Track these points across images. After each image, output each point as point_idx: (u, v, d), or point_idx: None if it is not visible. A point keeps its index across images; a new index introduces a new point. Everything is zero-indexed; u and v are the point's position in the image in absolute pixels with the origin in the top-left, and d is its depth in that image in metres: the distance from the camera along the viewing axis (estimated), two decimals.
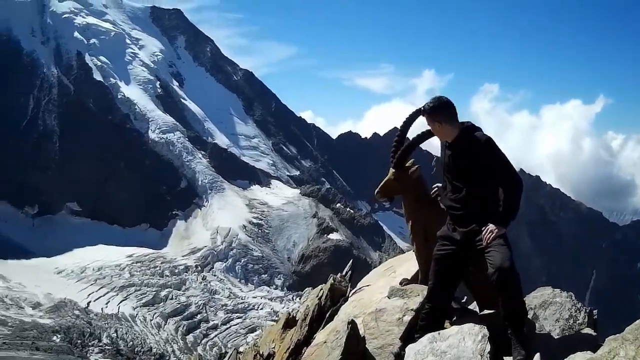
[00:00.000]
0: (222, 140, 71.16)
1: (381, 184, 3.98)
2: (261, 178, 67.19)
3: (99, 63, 67.92)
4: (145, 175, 60.56)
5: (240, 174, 65.70)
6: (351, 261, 6.95)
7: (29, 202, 55.38)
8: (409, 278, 4.33)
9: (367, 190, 73.23)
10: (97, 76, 66.55)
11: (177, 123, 66.84)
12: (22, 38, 65.47)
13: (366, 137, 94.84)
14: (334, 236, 55.56)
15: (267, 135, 78.22)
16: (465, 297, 4.40)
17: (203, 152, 65.09)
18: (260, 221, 55.99)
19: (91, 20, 73.10)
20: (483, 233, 3.08)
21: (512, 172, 3.14)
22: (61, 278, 44.40)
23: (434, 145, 3.68)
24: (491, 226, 3.07)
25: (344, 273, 6.12)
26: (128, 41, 74.63)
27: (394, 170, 3.91)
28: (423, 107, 3.28)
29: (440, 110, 3.14)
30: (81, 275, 44.43)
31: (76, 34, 69.27)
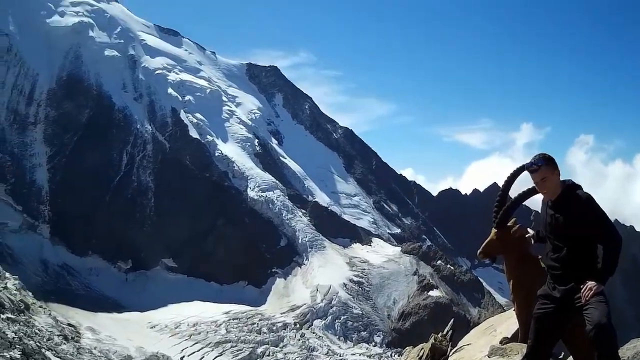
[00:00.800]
0: (322, 198, 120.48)
1: (484, 244, 8.22)
2: (362, 236, 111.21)
3: (195, 120, 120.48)
4: (244, 233, 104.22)
5: (341, 232, 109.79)
6: (452, 320, 13.46)
7: (122, 257, 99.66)
8: (509, 336, 8.89)
9: (467, 246, 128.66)
10: (194, 133, 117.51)
11: (277, 181, 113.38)
12: (113, 94, 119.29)
13: (466, 194, 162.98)
14: (434, 293, 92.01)
15: (368, 193, 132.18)
16: (563, 354, 8.72)
17: (303, 211, 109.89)
18: (360, 279, 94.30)
19: (185, 76, 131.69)
20: (582, 290, 6.28)
21: (611, 229, 6.46)
22: (154, 332, 78.82)
23: (532, 200, 7.82)
24: (590, 283, 6.25)
25: (444, 332, 12.19)
26: (224, 98, 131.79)
27: (496, 230, 8.06)
28: (531, 162, 6.86)
29: (552, 163, 6.79)
30: (175, 330, 78.82)
31: (170, 90, 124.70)
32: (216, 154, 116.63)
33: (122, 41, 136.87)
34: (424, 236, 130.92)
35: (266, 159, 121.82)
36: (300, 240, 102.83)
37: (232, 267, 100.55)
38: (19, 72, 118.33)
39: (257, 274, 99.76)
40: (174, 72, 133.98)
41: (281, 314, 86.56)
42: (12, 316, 43.34)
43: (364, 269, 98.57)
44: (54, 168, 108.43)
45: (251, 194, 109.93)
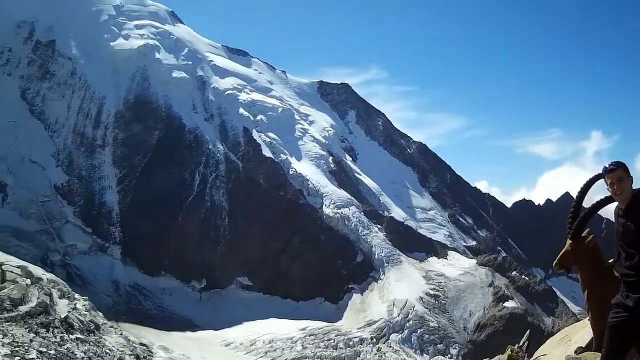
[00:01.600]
0: (398, 213, 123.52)
1: (559, 255, 8.51)
2: (438, 249, 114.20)
3: (268, 139, 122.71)
4: (320, 250, 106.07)
5: (417, 246, 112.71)
6: (528, 331, 14.20)
7: (196, 277, 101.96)
8: (584, 346, 9.16)
9: (541, 256, 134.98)
10: (267, 152, 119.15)
11: (352, 198, 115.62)
12: (183, 115, 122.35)
13: (539, 204, 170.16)
14: (509, 304, 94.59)
15: (443, 206, 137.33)
16: None
17: (379, 226, 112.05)
18: (437, 292, 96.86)
19: (256, 96, 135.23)
20: None
21: None
22: (229, 350, 79.37)
23: (604, 209, 8.16)
24: None
25: (521, 343, 12.76)
26: (297, 117, 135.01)
27: (570, 241, 8.37)
28: (608, 164, 7.38)
29: (627, 169, 7.30)
30: (250, 347, 79.34)
31: (241, 110, 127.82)
32: (290, 172, 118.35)
33: (189, 62, 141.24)
34: (498, 248, 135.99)
35: (341, 176, 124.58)
36: (376, 256, 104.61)
37: (308, 284, 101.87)
38: (84, 95, 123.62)
39: (333, 290, 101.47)
40: (244, 92, 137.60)
41: (358, 329, 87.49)
42: (82, 336, 43.66)
43: (440, 282, 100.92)
44: (124, 190, 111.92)
45: (326, 211, 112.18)
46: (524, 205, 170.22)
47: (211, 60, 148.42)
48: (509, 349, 12.77)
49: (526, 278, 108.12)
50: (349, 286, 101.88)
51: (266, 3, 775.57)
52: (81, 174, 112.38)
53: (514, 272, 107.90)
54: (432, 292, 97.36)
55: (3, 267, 56.95)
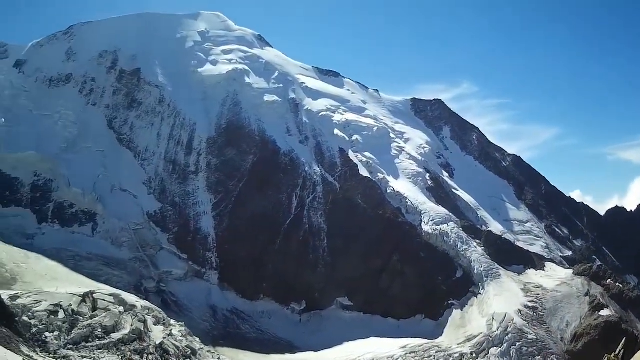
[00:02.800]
0: (496, 227, 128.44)
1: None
2: (535, 261, 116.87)
3: (364, 159, 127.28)
4: (419, 268, 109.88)
5: (515, 259, 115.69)
6: (624, 339, 16.10)
7: (295, 299, 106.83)
8: None
9: (634, 262, 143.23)
10: (364, 172, 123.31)
11: (450, 214, 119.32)
12: (277, 138, 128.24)
13: (631, 210, 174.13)
14: (604, 312, 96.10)
15: (539, 218, 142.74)
16: None
17: (478, 241, 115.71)
18: (535, 304, 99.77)
19: (350, 116, 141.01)
20: None
21: None
22: None
23: None
24: None
25: (617, 352, 16.35)
26: (392, 135, 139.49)
27: None
28: None
29: None
30: None
31: (336, 131, 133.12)
32: (388, 191, 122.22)
33: (281, 85, 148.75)
34: (593, 256, 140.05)
35: (438, 192, 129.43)
36: (475, 271, 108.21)
37: (408, 302, 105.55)
38: (174, 122, 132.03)
39: (433, 306, 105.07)
40: (338, 112, 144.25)
41: (458, 344, 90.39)
42: None
43: (538, 294, 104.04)
44: (219, 215, 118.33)
45: (425, 228, 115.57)
46: (617, 212, 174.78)
47: (303, 83, 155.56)
48: (606, 358, 14.38)
49: (620, 285, 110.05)
50: (449, 302, 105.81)
51: (353, 23, 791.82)
52: (175, 201, 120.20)
53: (608, 280, 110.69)
54: (530, 304, 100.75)
55: (94, 295, 62.14)
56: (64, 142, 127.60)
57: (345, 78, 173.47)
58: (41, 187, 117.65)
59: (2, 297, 46.78)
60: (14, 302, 53.81)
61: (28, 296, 57.32)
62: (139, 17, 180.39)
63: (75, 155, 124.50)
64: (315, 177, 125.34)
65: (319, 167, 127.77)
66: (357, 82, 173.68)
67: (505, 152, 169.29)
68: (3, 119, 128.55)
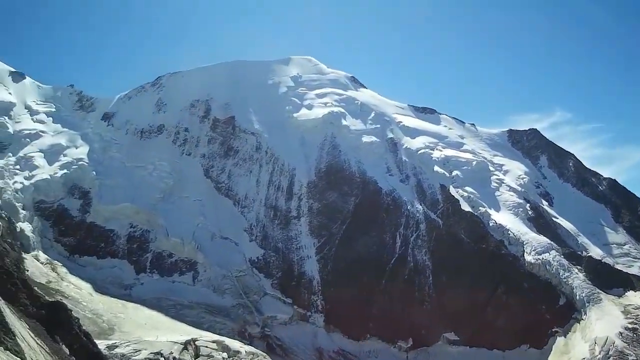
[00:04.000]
0: (595, 252, 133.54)
1: None
2: (635, 283, 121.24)
3: (465, 194, 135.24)
4: (523, 298, 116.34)
5: (615, 282, 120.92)
6: None
7: (402, 337, 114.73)
8: None
9: None
10: (466, 207, 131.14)
11: (552, 242, 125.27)
12: (378, 178, 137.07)
13: None
14: None
15: (636, 239, 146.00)
16: None
17: (579, 267, 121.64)
18: (635, 325, 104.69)
19: (449, 152, 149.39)
20: None
21: None
22: None
23: None
24: None
25: None
26: (491, 168, 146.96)
27: None
28: None
29: None
30: None
31: (436, 168, 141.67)
32: (490, 224, 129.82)
33: (378, 126, 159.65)
34: None
35: (539, 222, 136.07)
36: (577, 297, 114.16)
37: (513, 332, 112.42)
38: (273, 168, 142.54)
39: (537, 335, 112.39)
40: (437, 149, 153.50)
41: None
42: None
43: (638, 315, 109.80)
44: (323, 258, 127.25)
45: (528, 258, 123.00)
46: None
47: (400, 122, 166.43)
48: None
49: None
50: (553, 330, 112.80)
51: (446, 59, 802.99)
52: (277, 247, 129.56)
53: None
54: (630, 325, 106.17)
55: (197, 342, 68.86)
56: (160, 192, 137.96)
57: (441, 114, 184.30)
58: (138, 238, 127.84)
59: (100, 346, 51.65)
60: (112, 352, 60.90)
61: (127, 345, 64.34)
62: (228, 65, 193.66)
63: (173, 205, 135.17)
64: (417, 215, 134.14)
65: (420, 204, 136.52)
66: (454, 118, 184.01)
67: (601, 176, 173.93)
68: (94, 172, 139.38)
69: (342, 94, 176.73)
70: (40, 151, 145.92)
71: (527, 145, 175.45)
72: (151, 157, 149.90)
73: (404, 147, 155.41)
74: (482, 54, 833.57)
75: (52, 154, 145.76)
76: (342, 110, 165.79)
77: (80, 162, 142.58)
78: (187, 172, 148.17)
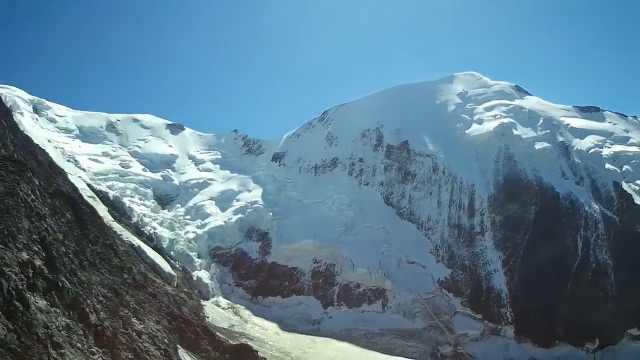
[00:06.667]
0: None
1: None
2: None
3: (637, 187, 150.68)
4: None
5: None
6: None
7: (588, 339, 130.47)
8: None
9: None
10: (639, 200, 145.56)
11: None
12: (555, 184, 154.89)
13: None
14: None
15: None
16: None
17: None
18: None
19: (617, 148, 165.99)
20: None
21: None
22: None
23: None
24: None
25: None
26: None
27: None
28: None
29: None
30: None
31: (607, 165, 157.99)
32: None
33: (548, 131, 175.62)
34: None
35: None
36: None
37: None
38: (452, 187, 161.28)
39: None
40: (605, 146, 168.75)
41: None
42: None
43: None
44: (510, 270, 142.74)
45: None
46: None
47: (567, 124, 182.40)
48: None
49: None
50: None
51: (605, 56, 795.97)
52: (464, 264, 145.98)
53: None
54: None
55: None
56: (341, 225, 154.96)
57: (604, 111, 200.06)
58: (323, 273, 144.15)
59: None
60: None
61: None
62: (394, 91, 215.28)
63: (355, 237, 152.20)
64: (595, 215, 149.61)
65: (597, 204, 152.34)
66: (617, 113, 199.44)
67: None
68: (270, 213, 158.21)
69: (508, 104, 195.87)
70: (211, 199, 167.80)
71: None
72: (328, 192, 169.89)
73: (574, 148, 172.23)
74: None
75: (223, 200, 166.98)
76: (512, 120, 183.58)
77: (255, 205, 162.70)
78: (367, 202, 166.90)
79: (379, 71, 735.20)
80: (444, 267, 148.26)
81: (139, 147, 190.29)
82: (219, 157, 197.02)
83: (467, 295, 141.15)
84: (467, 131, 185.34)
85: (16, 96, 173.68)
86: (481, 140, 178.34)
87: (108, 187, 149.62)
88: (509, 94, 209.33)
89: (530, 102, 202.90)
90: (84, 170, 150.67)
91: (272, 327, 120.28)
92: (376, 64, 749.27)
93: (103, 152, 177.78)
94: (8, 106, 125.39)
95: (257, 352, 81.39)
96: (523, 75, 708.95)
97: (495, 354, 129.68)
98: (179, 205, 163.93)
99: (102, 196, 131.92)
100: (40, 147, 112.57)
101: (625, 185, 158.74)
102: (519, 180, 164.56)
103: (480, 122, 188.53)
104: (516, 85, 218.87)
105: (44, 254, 49.96)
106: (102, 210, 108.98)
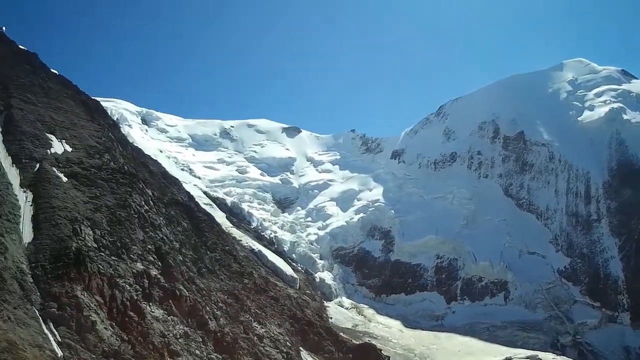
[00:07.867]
0: None
1: None
2: None
3: None
4: None
5: None
6: None
7: None
8: None
9: None
10: None
11: None
12: None
13: None
14: None
15: None
16: None
17: None
18: None
19: None
20: None
21: None
22: None
23: None
24: None
25: None
26: None
27: None
28: None
29: None
30: None
31: None
32: None
33: None
34: None
35: None
36: None
37: None
38: (568, 176, 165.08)
39: None
40: None
41: None
42: None
43: None
44: (626, 256, 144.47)
45: None
46: None
47: None
48: None
49: None
50: None
51: None
52: (582, 253, 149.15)
53: None
54: None
55: None
56: (463, 219, 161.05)
57: None
58: (446, 268, 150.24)
59: None
60: None
61: None
62: (506, 82, 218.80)
63: (477, 230, 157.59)
64: None
65: None
66: None
67: None
68: (392, 211, 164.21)
69: (617, 89, 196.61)
70: (332, 199, 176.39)
71: None
72: (449, 186, 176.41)
73: None
74: None
75: (344, 200, 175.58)
76: (621, 105, 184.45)
77: (376, 204, 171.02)
78: (486, 195, 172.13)
79: (492, 62, 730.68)
80: (563, 256, 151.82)
81: (255, 152, 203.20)
82: (338, 157, 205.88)
83: (585, 283, 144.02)
84: (580, 118, 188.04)
85: (123, 109, 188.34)
86: (593, 127, 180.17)
87: (225, 193, 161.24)
88: (617, 78, 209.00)
89: (638, 86, 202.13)
90: (199, 178, 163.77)
91: (395, 324, 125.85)
92: (488, 55, 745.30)
93: (218, 159, 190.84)
94: (115, 119, 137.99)
95: (380, 350, 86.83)
96: (628, 59, 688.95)
97: (612, 341, 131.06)
98: (299, 208, 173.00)
99: (220, 203, 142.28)
100: (152, 158, 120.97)
101: None
102: (631, 165, 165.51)
103: (591, 108, 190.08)
104: (622, 70, 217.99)
105: (160, 264, 55.32)
106: (220, 217, 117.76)
